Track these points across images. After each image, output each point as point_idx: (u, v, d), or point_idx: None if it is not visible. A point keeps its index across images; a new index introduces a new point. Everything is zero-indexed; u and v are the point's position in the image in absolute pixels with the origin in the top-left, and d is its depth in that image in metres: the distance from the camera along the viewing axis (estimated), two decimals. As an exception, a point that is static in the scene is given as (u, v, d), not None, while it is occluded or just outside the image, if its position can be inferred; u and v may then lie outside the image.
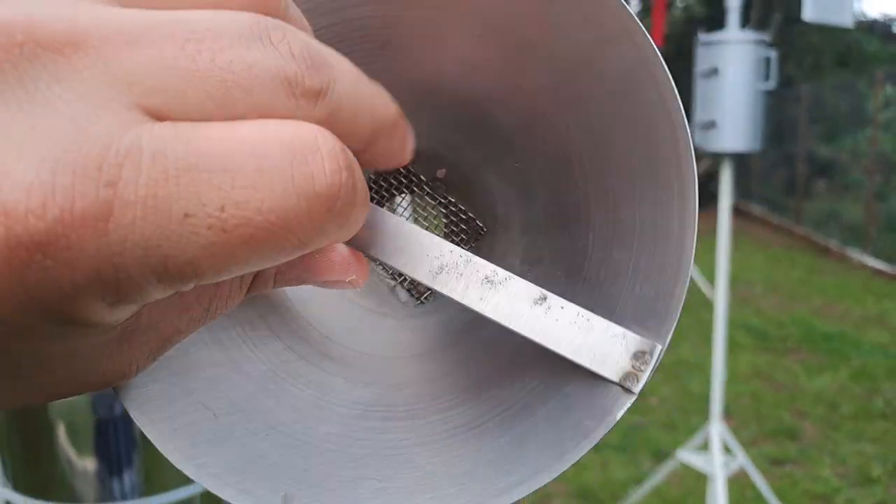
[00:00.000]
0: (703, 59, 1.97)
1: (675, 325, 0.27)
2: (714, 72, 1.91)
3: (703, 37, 2.01)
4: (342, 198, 0.18)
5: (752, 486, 2.91)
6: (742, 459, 2.20)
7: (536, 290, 0.27)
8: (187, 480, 0.41)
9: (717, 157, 2.10)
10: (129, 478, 0.38)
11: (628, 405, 0.27)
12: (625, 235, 0.29)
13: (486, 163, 0.36)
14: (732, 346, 4.79)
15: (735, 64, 1.91)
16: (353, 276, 0.25)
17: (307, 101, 0.19)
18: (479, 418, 0.29)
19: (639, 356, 0.27)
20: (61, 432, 0.37)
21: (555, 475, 0.27)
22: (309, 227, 0.18)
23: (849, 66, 11.66)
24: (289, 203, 0.17)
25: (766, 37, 1.94)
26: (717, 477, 2.08)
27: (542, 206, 0.34)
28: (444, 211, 0.37)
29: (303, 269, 0.24)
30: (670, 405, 3.83)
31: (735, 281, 6.53)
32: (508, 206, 0.36)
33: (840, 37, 11.68)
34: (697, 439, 2.32)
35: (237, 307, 0.27)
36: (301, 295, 0.33)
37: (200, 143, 0.17)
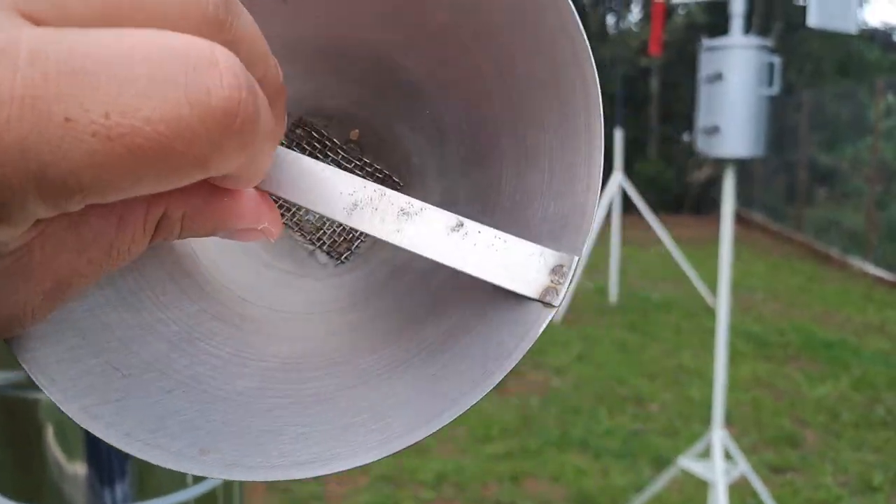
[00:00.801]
0: (706, 65, 1.96)
1: (588, 236, 0.28)
2: (718, 77, 1.90)
3: (706, 42, 2.00)
4: (241, 116, 0.17)
5: (753, 494, 2.89)
6: (743, 467, 2.18)
7: (453, 218, 0.27)
8: (182, 485, 0.39)
9: (721, 163, 2.09)
10: (120, 482, 0.37)
11: (549, 319, 0.27)
12: (537, 161, 0.29)
13: (397, 115, 0.36)
14: (733, 354, 4.77)
15: (739, 69, 1.90)
16: (266, 224, 0.24)
17: (209, 26, 0.18)
18: (404, 357, 0.29)
19: (557, 270, 0.27)
20: (50, 435, 0.35)
21: (481, 395, 0.26)
22: (205, 143, 0.17)
23: (849, 75, 11.66)
24: (181, 113, 0.16)
25: (770, 42, 1.93)
26: (719, 484, 2.06)
27: (455, 148, 0.34)
28: (359, 173, 0.37)
29: (211, 214, 0.23)
30: (671, 412, 3.81)
31: (736, 288, 6.52)
32: (422, 154, 0.36)
33: (841, 45, 11.70)
34: (699, 446, 2.30)
35: (147, 268, 0.26)
36: (214, 258, 0.33)
37: (86, 47, 0.16)
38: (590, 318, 5.62)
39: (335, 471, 0.24)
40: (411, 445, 0.26)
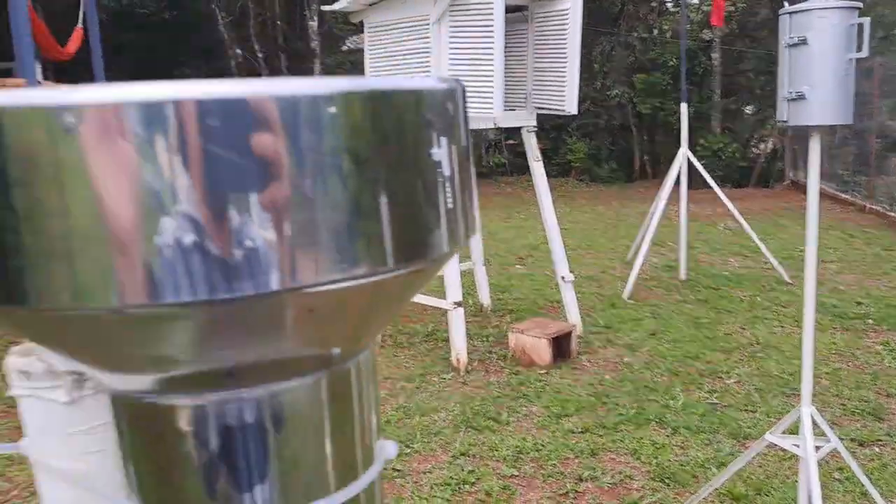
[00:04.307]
0: (789, 30, 1.92)
1: None
2: (802, 42, 1.87)
3: (788, 7, 1.97)
4: None
5: (841, 469, 2.85)
6: (834, 441, 2.15)
7: None
8: (326, 491, 0.41)
9: (785, 134, 2.05)
10: (261, 486, 0.38)
11: None
12: None
13: None
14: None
15: (824, 33, 1.86)
16: None
17: None
18: None
19: None
20: (189, 440, 0.37)
21: None
22: None
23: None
24: None
25: (858, 3, 1.89)
26: (810, 460, 2.04)
27: None
28: None
29: None
30: (749, 386, 3.77)
31: (808, 260, 6.36)
32: None
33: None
34: (785, 422, 2.28)
35: None
36: None
37: None
38: (660, 294, 5.57)
39: None
40: None
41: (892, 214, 7.76)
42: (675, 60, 12.12)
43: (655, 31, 13.90)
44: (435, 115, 0.36)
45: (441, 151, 0.36)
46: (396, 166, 0.34)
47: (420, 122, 0.35)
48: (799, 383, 3.75)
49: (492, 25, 3.78)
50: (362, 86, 0.32)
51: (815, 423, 2.13)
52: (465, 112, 0.39)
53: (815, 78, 1.87)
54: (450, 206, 0.37)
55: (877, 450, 3.07)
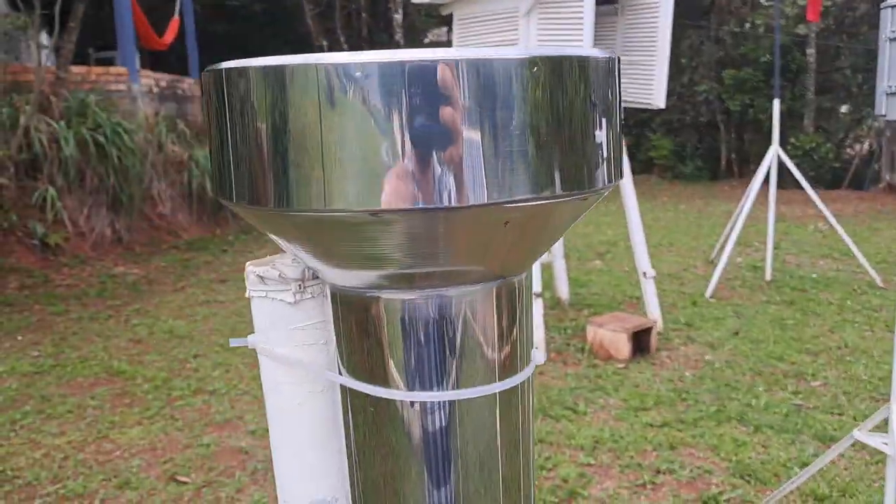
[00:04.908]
0: (891, 23, 1.90)
1: None
2: (905, 36, 1.84)
3: (890, 0, 1.94)
4: None
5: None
6: (925, 440, 2.10)
7: None
8: (490, 381, 0.51)
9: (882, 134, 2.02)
10: (445, 368, 0.48)
11: None
12: None
13: None
14: (904, 333, 4.51)
15: (929, 27, 1.83)
16: None
17: None
18: None
19: None
20: (392, 327, 0.48)
21: None
22: None
23: None
24: None
25: (966, -3, 1.84)
26: (898, 456, 2.01)
27: None
28: None
29: None
30: (835, 389, 3.68)
31: (904, 265, 6.10)
32: None
33: None
34: (874, 419, 2.24)
35: None
36: None
37: None
38: (743, 294, 5.46)
39: None
40: None
41: None
42: (767, 56, 11.73)
43: (747, 26, 13.49)
44: (598, 74, 0.45)
45: (601, 110, 0.45)
46: (569, 116, 0.44)
47: (587, 80, 0.44)
48: (888, 388, 3.64)
49: (581, 18, 3.81)
50: (545, 52, 0.41)
51: (905, 424, 2.09)
52: (619, 72, 0.49)
53: (919, 72, 1.84)
54: (607, 148, 0.47)
55: (972, 460, 2.96)
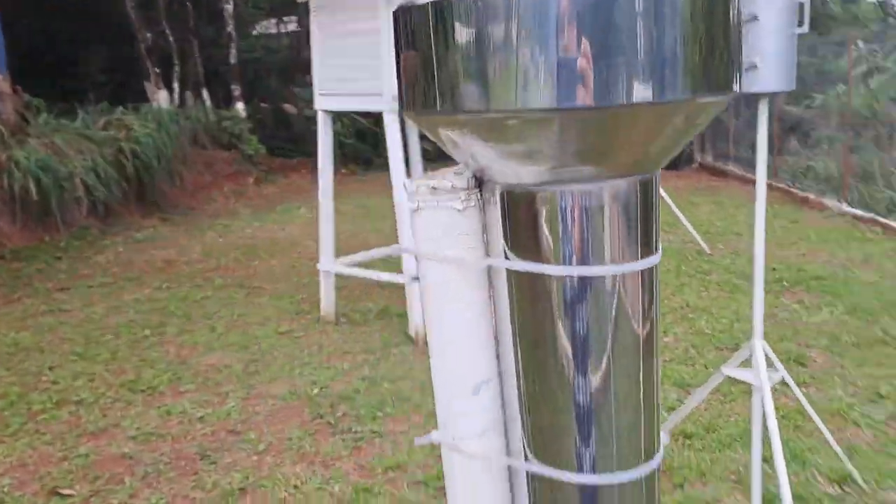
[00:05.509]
0: (743, 7, 2.17)
1: None
2: (754, 18, 2.12)
3: (740, -12, 2.22)
4: None
5: (783, 404, 3.17)
6: (782, 371, 2.44)
7: None
8: (628, 260, 0.63)
9: (758, 97, 2.31)
10: (590, 248, 0.61)
11: None
12: None
13: None
14: (733, 290, 5.08)
15: (773, 10, 2.12)
16: None
17: None
18: None
19: None
20: (551, 216, 0.59)
21: None
22: None
23: (815, 28, 12.00)
24: None
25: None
26: (764, 387, 2.31)
27: None
28: None
29: None
30: (685, 343, 4.10)
31: (725, 234, 6.84)
32: None
33: (805, -2, 11.99)
34: (737, 358, 2.55)
35: None
36: None
37: None
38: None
39: None
40: None
41: (795, 191, 8.41)
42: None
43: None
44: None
45: (737, 28, 0.55)
46: (699, 27, 0.53)
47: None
48: (729, 338, 4.10)
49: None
50: None
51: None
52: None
53: (765, 50, 2.12)
54: (740, 59, 0.58)
55: (804, 390, 3.43)
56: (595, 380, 0.60)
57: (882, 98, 8.19)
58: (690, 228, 6.22)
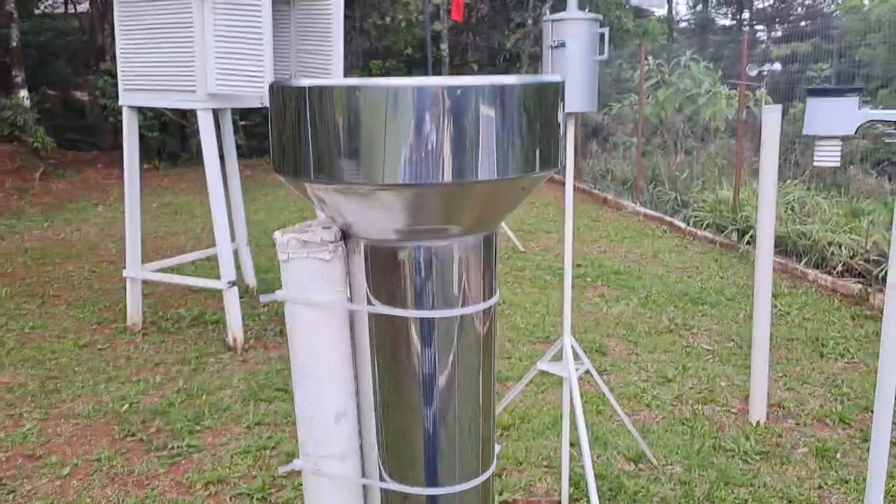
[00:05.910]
0: (552, 34, 2.35)
1: None
2: (562, 45, 2.30)
3: (551, 16, 2.40)
4: None
5: (588, 390, 3.46)
6: (587, 364, 2.67)
7: None
8: (463, 305, 0.73)
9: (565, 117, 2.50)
10: (432, 295, 0.70)
11: None
12: None
13: None
14: (543, 285, 5.44)
15: (577, 39, 2.31)
16: None
17: None
18: None
19: None
20: (404, 265, 0.67)
21: None
22: None
23: (611, 41, 13.07)
24: None
25: (600, 16, 2.37)
26: (572, 377, 2.53)
27: None
28: None
29: None
30: (501, 338, 4.34)
31: (536, 232, 7.29)
32: None
33: (603, 12, 13.00)
34: (550, 352, 2.76)
35: None
36: None
37: None
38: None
39: None
40: None
41: (596, 192, 9.14)
42: (409, 49, 12.84)
43: (388, 20, 14.52)
44: (557, 95, 0.67)
45: (560, 117, 0.65)
46: (535, 122, 0.61)
47: (553, 99, 0.63)
48: (541, 332, 4.38)
49: (259, 5, 3.84)
50: (530, 80, 0.59)
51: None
52: (563, 92, 0.71)
53: (571, 73, 2.31)
54: (560, 145, 0.69)
55: (604, 378, 3.77)
56: (442, 409, 0.69)
57: (668, 108, 9.12)
58: (507, 229, 6.56)
